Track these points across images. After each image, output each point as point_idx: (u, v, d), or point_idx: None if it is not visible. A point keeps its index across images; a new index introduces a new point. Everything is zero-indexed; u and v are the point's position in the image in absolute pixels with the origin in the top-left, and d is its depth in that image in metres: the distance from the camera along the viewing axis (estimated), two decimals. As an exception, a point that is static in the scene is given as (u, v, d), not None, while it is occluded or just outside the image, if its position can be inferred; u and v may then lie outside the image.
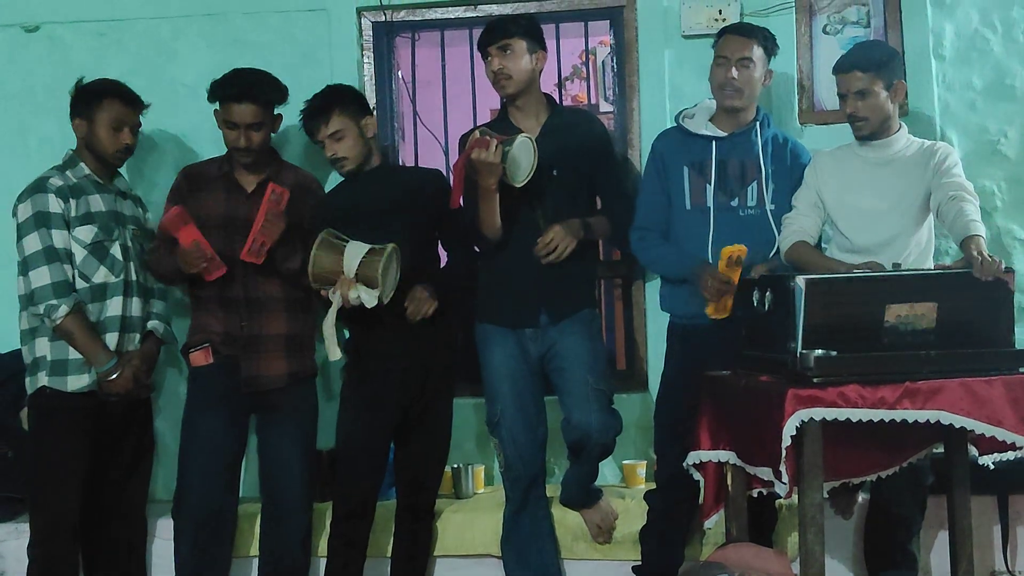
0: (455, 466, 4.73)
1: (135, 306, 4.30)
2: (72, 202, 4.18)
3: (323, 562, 4.38)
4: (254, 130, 4.30)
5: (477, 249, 4.41)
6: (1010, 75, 4.68)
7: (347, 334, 4.46)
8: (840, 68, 4.02)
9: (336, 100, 4.31)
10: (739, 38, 4.16)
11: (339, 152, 4.29)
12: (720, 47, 4.19)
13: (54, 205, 4.15)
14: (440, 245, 4.52)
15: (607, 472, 4.72)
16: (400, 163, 5.03)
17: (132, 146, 4.33)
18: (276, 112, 4.41)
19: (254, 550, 4.49)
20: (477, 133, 4.16)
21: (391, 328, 4.26)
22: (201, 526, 4.28)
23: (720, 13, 4.69)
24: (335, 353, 4.13)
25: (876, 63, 3.97)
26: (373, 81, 4.99)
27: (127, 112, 4.28)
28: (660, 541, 4.29)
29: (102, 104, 4.25)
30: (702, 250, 4.14)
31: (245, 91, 4.30)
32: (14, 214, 4.21)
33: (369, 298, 4.04)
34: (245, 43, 4.91)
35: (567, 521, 4.47)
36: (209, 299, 4.33)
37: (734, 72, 4.13)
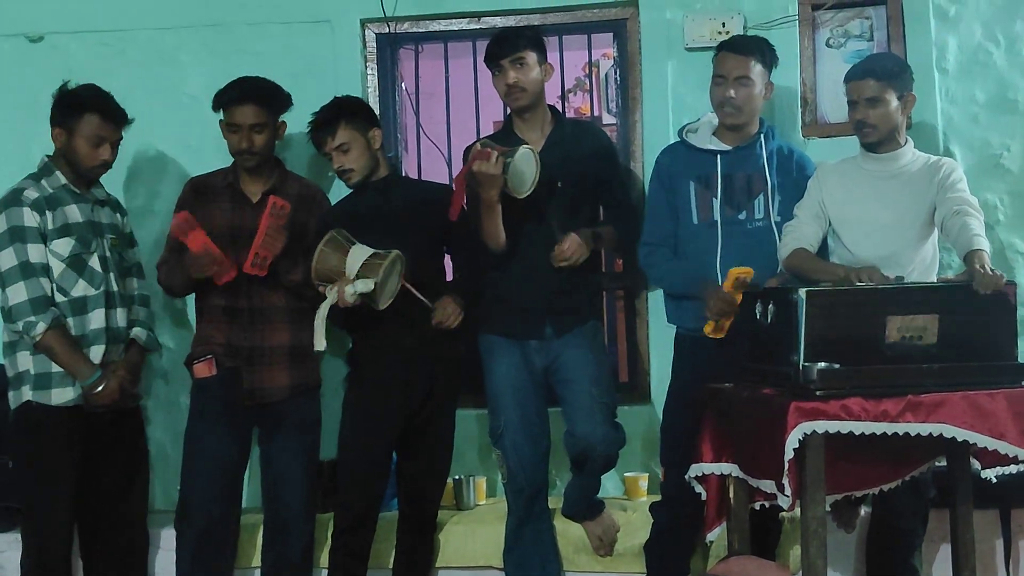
0: (457, 477, 4.73)
1: (119, 317, 4.24)
2: (48, 214, 4.10)
3: (325, 573, 4.37)
4: (255, 132, 4.29)
5: (482, 262, 4.41)
6: (1013, 89, 4.68)
7: (350, 345, 4.47)
8: (853, 75, 4.02)
9: (343, 112, 4.31)
10: (736, 56, 4.15)
11: (346, 164, 4.30)
12: (717, 65, 4.18)
13: (29, 219, 4.07)
14: (448, 258, 4.52)
15: (609, 484, 4.71)
16: (404, 174, 5.03)
17: (110, 161, 4.26)
18: (280, 120, 4.41)
19: (256, 561, 4.49)
20: (479, 145, 4.17)
21: (394, 338, 4.27)
22: (203, 537, 4.27)
23: (723, 26, 4.70)
24: (320, 343, 4.10)
25: (889, 72, 3.97)
26: (377, 93, 4.99)
27: (108, 128, 4.20)
28: (666, 554, 4.28)
29: (83, 118, 4.16)
30: (711, 264, 4.14)
31: (246, 93, 4.31)
32: None
33: (364, 285, 4.02)
34: (248, 53, 4.91)
35: (569, 533, 4.46)
36: (213, 310, 4.32)
37: (732, 91, 4.13)
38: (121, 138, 4.29)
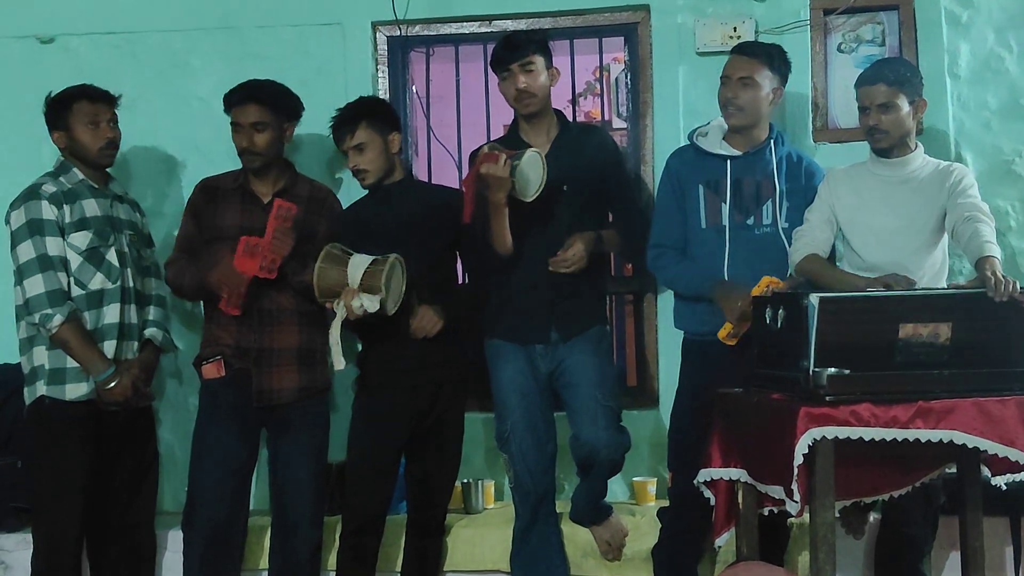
0: (465, 481, 4.72)
1: (132, 313, 4.26)
2: (66, 208, 4.15)
3: (333, 576, 4.38)
4: (258, 130, 4.30)
5: (488, 266, 4.41)
6: (1025, 95, 4.68)
7: (359, 347, 4.47)
8: (864, 80, 4.01)
9: (365, 113, 4.33)
10: (742, 58, 4.17)
11: (360, 164, 4.30)
12: (725, 67, 4.20)
13: (47, 212, 4.12)
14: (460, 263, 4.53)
15: (617, 489, 4.71)
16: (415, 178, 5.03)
17: (115, 139, 4.30)
18: (288, 123, 4.41)
19: (264, 563, 4.49)
20: (486, 148, 4.17)
21: (402, 342, 4.27)
22: (210, 539, 4.27)
23: (735, 31, 4.69)
24: (339, 363, 4.12)
25: (901, 78, 3.97)
26: (387, 95, 4.99)
27: (98, 108, 4.26)
28: (674, 559, 4.27)
29: (71, 109, 4.24)
30: (718, 269, 4.14)
31: (249, 93, 4.34)
32: (7, 222, 4.18)
33: (371, 303, 4.03)
34: (259, 57, 4.92)
35: (577, 538, 4.45)
36: (222, 311, 4.31)
37: (735, 92, 4.14)
38: (116, 117, 4.33)
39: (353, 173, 4.36)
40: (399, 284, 4.12)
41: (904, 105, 3.96)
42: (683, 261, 4.25)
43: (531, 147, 4.19)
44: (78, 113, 4.24)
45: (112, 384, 4.12)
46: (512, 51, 4.25)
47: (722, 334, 4.04)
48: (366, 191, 4.42)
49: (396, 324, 4.20)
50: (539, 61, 4.25)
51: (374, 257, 4.09)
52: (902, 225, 4.00)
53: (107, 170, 4.38)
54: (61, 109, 4.27)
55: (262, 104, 4.32)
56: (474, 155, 4.30)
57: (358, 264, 4.07)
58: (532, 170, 4.11)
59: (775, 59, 4.18)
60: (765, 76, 4.14)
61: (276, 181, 4.39)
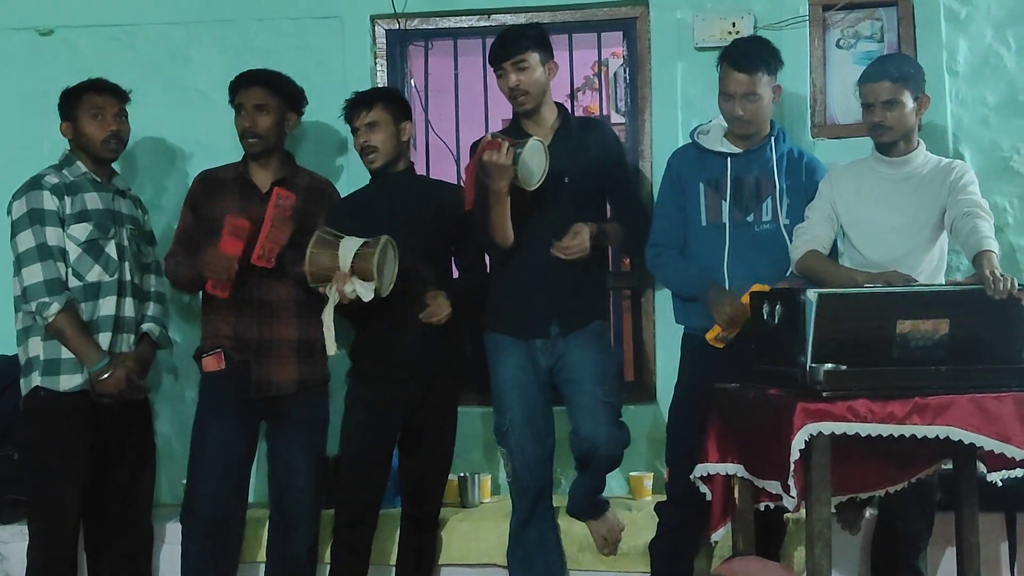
0: (462, 475, 4.73)
1: (128, 307, 4.27)
2: (67, 199, 4.16)
3: (328, 569, 4.37)
4: (259, 113, 4.32)
5: (488, 259, 4.41)
6: (1023, 92, 4.67)
7: (353, 337, 4.47)
8: (869, 77, 4.00)
9: (383, 96, 4.40)
10: (740, 75, 4.08)
11: (371, 140, 4.32)
12: (725, 82, 4.14)
13: (48, 202, 4.13)
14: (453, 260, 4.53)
15: (614, 484, 4.71)
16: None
17: (119, 132, 4.31)
18: (290, 112, 4.42)
19: (261, 556, 4.49)
20: (488, 137, 4.16)
21: (395, 334, 4.28)
22: (209, 532, 4.27)
23: (734, 26, 4.69)
24: (332, 348, 4.13)
25: (905, 74, 3.97)
26: (386, 90, 4.99)
27: (104, 100, 4.28)
28: (671, 554, 4.27)
29: (80, 102, 4.27)
30: (718, 266, 4.14)
31: (255, 76, 4.40)
32: (8, 212, 4.19)
33: (365, 291, 4.03)
34: (258, 50, 4.92)
35: (573, 532, 4.46)
36: (221, 302, 4.30)
37: (740, 109, 4.11)
38: (125, 112, 4.35)
39: (361, 153, 4.37)
40: (391, 266, 4.11)
41: (908, 101, 3.96)
42: (680, 261, 4.25)
43: (534, 136, 4.18)
44: (85, 104, 4.27)
45: (106, 375, 4.12)
46: (504, 49, 4.24)
47: (710, 336, 4.05)
48: (369, 177, 4.43)
49: (391, 312, 4.20)
50: (533, 57, 4.23)
51: (364, 239, 4.09)
52: (903, 222, 4.00)
53: (111, 165, 4.39)
54: (71, 100, 4.30)
55: (266, 87, 4.36)
56: (475, 145, 4.29)
57: (348, 246, 4.06)
58: (535, 159, 4.09)
59: (771, 63, 4.13)
60: (765, 84, 4.12)
61: (276, 171, 4.40)
